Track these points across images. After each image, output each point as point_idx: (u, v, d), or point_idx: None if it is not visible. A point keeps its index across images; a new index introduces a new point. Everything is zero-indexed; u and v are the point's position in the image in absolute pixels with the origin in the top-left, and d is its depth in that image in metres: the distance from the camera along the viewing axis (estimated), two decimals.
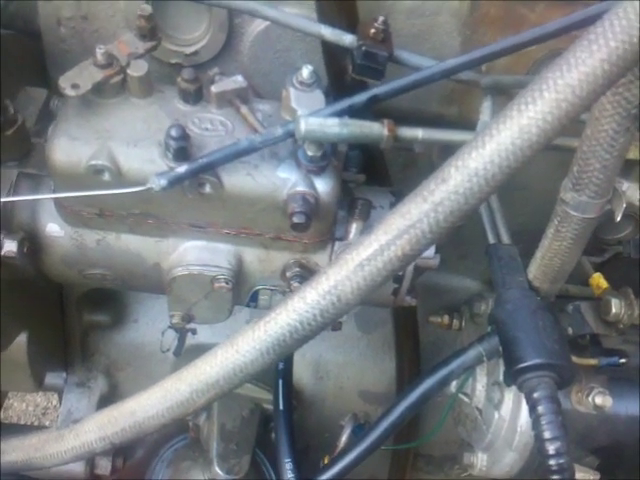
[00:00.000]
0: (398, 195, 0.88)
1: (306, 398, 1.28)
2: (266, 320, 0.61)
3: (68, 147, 0.71)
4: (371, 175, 0.92)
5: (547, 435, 0.67)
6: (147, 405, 0.66)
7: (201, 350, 0.67)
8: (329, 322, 0.59)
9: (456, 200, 0.54)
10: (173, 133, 0.67)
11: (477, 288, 1.23)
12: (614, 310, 0.89)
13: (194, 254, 0.78)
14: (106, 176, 0.71)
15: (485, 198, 0.55)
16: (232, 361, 0.62)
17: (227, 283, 0.78)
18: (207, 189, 0.71)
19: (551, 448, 0.66)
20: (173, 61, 0.90)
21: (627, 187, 0.73)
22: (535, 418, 0.69)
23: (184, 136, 0.68)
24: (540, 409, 0.69)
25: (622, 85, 0.60)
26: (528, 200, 1.04)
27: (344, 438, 1.00)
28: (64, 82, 0.70)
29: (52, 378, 1.18)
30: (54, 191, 0.77)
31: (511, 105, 0.54)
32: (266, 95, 0.92)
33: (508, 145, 0.53)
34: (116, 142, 0.71)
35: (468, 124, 0.88)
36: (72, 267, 0.82)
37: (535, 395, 0.70)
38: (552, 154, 0.73)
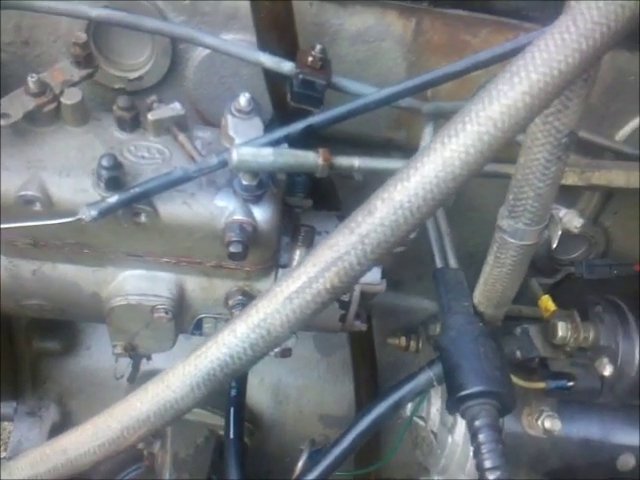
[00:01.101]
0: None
1: (266, 423, 1.26)
2: (197, 354, 0.60)
3: None
4: (320, 199, 0.91)
5: (487, 465, 0.67)
6: (78, 442, 0.64)
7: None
8: (260, 355, 0.58)
9: (382, 232, 0.54)
10: (104, 163, 0.66)
11: (435, 309, 1.23)
12: (560, 333, 0.90)
13: (133, 283, 0.77)
14: (37, 206, 0.69)
15: (411, 230, 0.55)
16: (163, 397, 0.60)
17: (167, 313, 0.76)
18: (142, 218, 0.70)
19: (491, 478, 0.66)
20: (117, 86, 0.89)
21: (564, 214, 0.74)
22: (476, 447, 0.69)
23: (116, 165, 0.67)
24: (481, 437, 0.69)
25: (552, 114, 0.60)
26: (481, 222, 1.04)
27: (300, 464, 0.99)
28: None
29: (1, 408, 1.15)
30: None
31: (436, 138, 0.54)
32: (213, 120, 0.92)
33: (432, 178, 0.53)
34: (48, 172, 0.70)
35: (417, 147, 0.89)
36: (8, 298, 0.80)
37: (476, 423, 0.70)
38: None
